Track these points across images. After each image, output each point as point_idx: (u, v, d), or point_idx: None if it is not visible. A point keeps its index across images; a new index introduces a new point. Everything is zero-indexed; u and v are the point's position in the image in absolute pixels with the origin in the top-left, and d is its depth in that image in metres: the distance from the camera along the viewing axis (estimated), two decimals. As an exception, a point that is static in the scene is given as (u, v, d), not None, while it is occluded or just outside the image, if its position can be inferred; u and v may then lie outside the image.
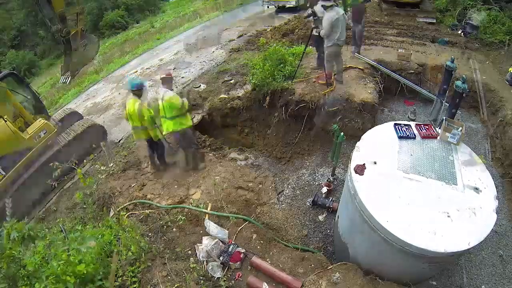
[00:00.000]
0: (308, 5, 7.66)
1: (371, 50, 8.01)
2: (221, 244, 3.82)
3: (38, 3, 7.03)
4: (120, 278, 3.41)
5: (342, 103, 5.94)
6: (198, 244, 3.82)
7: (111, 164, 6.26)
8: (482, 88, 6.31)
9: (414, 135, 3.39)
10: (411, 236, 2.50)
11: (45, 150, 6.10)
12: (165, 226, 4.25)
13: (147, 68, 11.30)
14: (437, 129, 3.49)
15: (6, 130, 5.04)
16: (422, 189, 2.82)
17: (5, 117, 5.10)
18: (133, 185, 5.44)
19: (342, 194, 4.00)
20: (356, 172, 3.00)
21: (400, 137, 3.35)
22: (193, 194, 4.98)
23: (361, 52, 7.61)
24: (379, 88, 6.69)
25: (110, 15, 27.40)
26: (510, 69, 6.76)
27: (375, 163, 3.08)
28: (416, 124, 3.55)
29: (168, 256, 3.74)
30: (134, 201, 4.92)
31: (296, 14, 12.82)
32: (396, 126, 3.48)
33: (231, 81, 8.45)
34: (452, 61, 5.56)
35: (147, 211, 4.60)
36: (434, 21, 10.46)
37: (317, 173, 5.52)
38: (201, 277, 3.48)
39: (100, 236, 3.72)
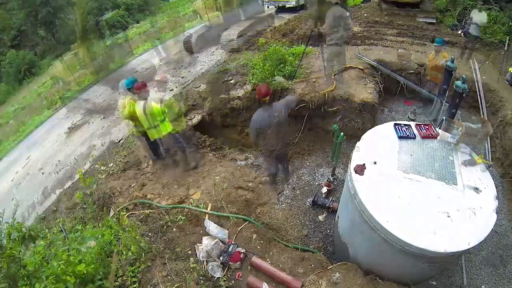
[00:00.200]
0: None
1: (371, 50, 8.01)
2: (221, 244, 3.82)
3: None
4: (120, 278, 3.41)
5: (342, 103, 5.94)
6: (198, 244, 3.82)
7: (111, 164, 6.27)
8: (482, 88, 6.31)
9: (414, 135, 3.38)
10: (411, 236, 2.50)
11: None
12: (165, 226, 4.25)
13: (147, 68, 11.30)
14: (437, 129, 3.49)
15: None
16: (422, 189, 2.82)
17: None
18: (133, 185, 5.44)
19: (342, 194, 4.00)
20: (356, 172, 3.00)
21: (400, 137, 3.35)
22: (193, 194, 4.98)
23: (361, 52, 7.62)
24: (379, 88, 6.70)
25: (110, 15, 27.40)
26: (510, 69, 6.76)
27: (375, 163, 3.08)
28: (416, 124, 3.54)
29: (168, 256, 3.74)
30: (134, 201, 4.92)
31: (296, 14, 12.83)
32: (396, 126, 3.48)
33: (231, 81, 8.45)
34: (452, 61, 5.56)
35: (147, 211, 4.61)
36: (434, 21, 10.46)
37: (317, 173, 5.52)
38: (201, 277, 3.48)
39: (100, 236, 3.72)
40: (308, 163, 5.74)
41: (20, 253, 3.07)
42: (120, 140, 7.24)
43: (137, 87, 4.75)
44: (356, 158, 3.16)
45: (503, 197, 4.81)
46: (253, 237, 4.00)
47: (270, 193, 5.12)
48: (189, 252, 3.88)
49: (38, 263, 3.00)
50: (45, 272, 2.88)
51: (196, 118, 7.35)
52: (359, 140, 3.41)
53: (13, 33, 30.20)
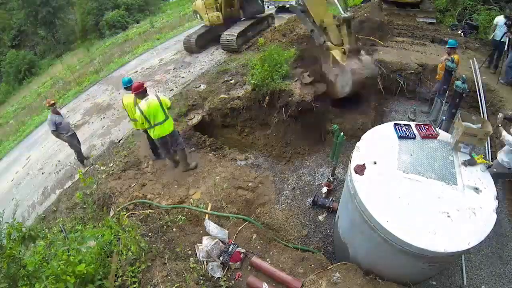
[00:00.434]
0: None
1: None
2: (221, 244, 3.82)
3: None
4: (120, 278, 3.41)
5: None
6: (198, 244, 3.82)
7: (111, 164, 6.27)
8: (482, 88, 6.31)
9: (414, 135, 3.39)
10: (411, 236, 2.50)
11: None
12: (165, 226, 4.26)
13: (147, 68, 11.30)
14: (437, 129, 3.49)
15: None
16: (422, 189, 2.82)
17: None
18: (133, 185, 5.44)
19: (342, 194, 4.00)
20: (356, 172, 3.00)
21: (400, 137, 3.35)
22: (193, 194, 4.98)
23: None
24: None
25: (110, 15, 27.41)
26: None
27: (375, 163, 3.08)
28: (416, 124, 3.55)
29: (168, 256, 3.74)
30: (134, 201, 4.92)
31: (296, 14, 12.81)
32: (396, 126, 3.48)
33: (231, 81, 8.45)
34: (452, 61, 5.56)
35: (147, 211, 4.61)
36: (434, 21, 10.46)
37: (317, 173, 5.52)
38: (201, 277, 3.49)
39: (100, 236, 3.72)
40: (308, 163, 5.74)
41: (20, 253, 3.08)
42: (120, 140, 7.24)
43: (135, 88, 4.74)
44: (356, 158, 3.16)
45: (503, 197, 4.81)
46: (253, 237, 4.01)
47: (270, 193, 5.12)
48: (189, 252, 3.89)
49: (38, 263, 3.00)
50: (45, 272, 2.88)
51: (196, 118, 7.34)
52: (359, 140, 3.41)
53: (13, 33, 30.22)
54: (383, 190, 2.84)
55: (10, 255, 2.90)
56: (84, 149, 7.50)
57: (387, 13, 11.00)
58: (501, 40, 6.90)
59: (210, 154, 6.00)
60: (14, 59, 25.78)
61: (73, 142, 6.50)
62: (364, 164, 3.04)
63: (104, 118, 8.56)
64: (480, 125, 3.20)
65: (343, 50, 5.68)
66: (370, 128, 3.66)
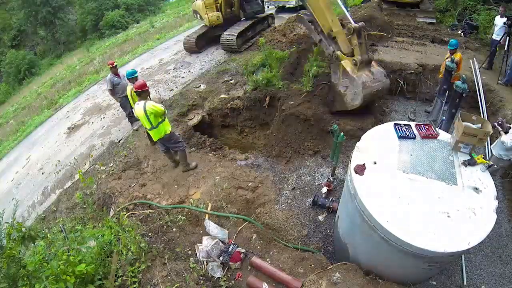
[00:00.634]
0: None
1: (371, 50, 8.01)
2: (221, 244, 3.82)
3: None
4: (120, 278, 3.41)
5: None
6: (198, 244, 3.82)
7: (111, 164, 6.27)
8: (482, 88, 6.31)
9: (414, 135, 3.39)
10: (411, 236, 2.50)
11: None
12: (165, 226, 4.26)
13: (147, 68, 11.30)
14: (437, 129, 3.49)
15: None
16: (422, 189, 2.82)
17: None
18: (133, 185, 5.44)
19: (342, 194, 4.00)
20: (356, 172, 3.00)
21: (400, 137, 3.35)
22: (193, 194, 4.98)
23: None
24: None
25: (110, 15, 27.41)
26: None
27: (375, 163, 3.08)
28: (416, 124, 3.54)
29: (168, 256, 3.74)
30: (134, 201, 4.92)
31: (295, 14, 12.82)
32: (396, 126, 3.48)
33: (231, 81, 8.46)
34: (452, 61, 5.57)
35: (147, 211, 4.61)
36: (434, 21, 10.47)
37: (317, 173, 5.52)
38: (201, 277, 3.49)
39: (100, 236, 3.72)
40: (308, 163, 5.74)
41: (20, 253, 3.08)
42: (120, 140, 7.24)
43: (137, 87, 4.74)
44: (356, 158, 3.16)
45: (503, 197, 4.81)
46: (253, 237, 4.01)
47: (270, 193, 5.12)
48: (189, 252, 3.89)
49: (38, 263, 3.00)
50: (45, 272, 2.88)
51: (196, 118, 7.35)
52: (359, 140, 3.41)
53: (13, 33, 30.26)
54: (383, 190, 2.83)
55: (10, 255, 2.90)
56: (84, 149, 7.52)
57: (387, 13, 11.01)
58: (498, 39, 7.10)
59: (210, 154, 6.00)
60: (14, 59, 25.81)
61: (125, 103, 6.78)
62: (364, 164, 3.04)
63: (104, 118, 8.56)
64: (480, 125, 3.20)
65: (354, 61, 5.45)
66: (370, 128, 3.66)
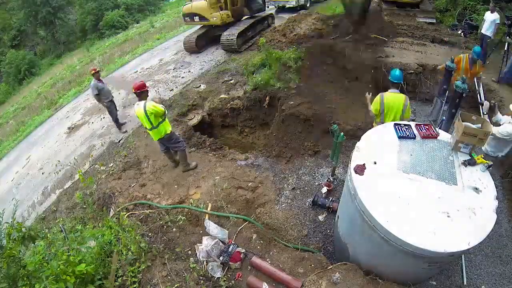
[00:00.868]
0: None
1: (371, 50, 8.01)
2: (221, 244, 3.82)
3: None
4: (120, 278, 3.41)
5: None
6: (198, 244, 3.82)
7: (111, 164, 6.27)
8: (482, 88, 6.31)
9: (414, 135, 3.38)
10: (411, 236, 2.50)
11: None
12: (165, 226, 4.26)
13: (147, 68, 11.30)
14: (437, 129, 3.49)
15: None
16: (422, 189, 2.82)
17: None
18: (133, 185, 5.45)
19: (342, 194, 4.00)
20: (356, 172, 3.00)
21: (400, 137, 3.35)
22: (193, 194, 4.98)
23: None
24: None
25: (110, 15, 27.42)
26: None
27: (375, 163, 3.08)
28: (416, 124, 3.54)
29: (168, 256, 3.74)
30: (134, 201, 4.92)
31: (295, 14, 12.83)
32: (396, 126, 3.48)
33: (231, 81, 8.46)
34: (452, 61, 5.57)
35: (147, 211, 4.61)
36: (434, 21, 10.48)
37: (317, 173, 5.52)
38: (201, 277, 3.49)
39: (100, 236, 3.72)
40: (308, 163, 5.74)
41: (20, 253, 3.08)
42: (120, 140, 7.24)
43: (137, 88, 4.74)
44: (356, 158, 3.16)
45: (503, 197, 4.81)
46: (253, 237, 4.00)
47: (270, 193, 5.12)
48: (189, 252, 3.89)
49: (38, 263, 3.00)
50: (45, 272, 2.88)
51: (196, 118, 7.35)
52: (359, 140, 3.41)
53: (13, 33, 30.27)
54: (383, 190, 2.83)
55: (10, 255, 2.90)
56: (84, 149, 7.52)
57: (387, 13, 11.02)
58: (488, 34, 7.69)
59: (210, 154, 6.00)
60: (14, 59, 25.83)
61: (112, 108, 7.18)
62: (364, 164, 3.04)
63: (104, 118, 8.55)
64: (480, 125, 3.20)
65: None
66: (370, 128, 3.65)
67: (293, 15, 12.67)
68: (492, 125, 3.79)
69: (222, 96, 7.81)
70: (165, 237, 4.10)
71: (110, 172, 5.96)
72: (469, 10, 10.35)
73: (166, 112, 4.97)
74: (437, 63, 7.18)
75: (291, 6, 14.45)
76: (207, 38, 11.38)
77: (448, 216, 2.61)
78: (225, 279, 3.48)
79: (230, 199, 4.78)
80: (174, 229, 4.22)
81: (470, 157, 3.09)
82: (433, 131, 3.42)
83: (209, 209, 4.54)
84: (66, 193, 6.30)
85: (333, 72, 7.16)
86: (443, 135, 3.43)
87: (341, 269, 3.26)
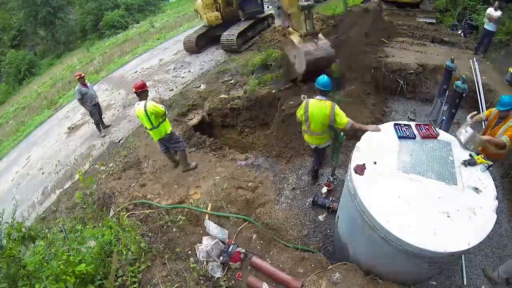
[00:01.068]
0: None
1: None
2: (221, 244, 3.82)
3: None
4: (120, 278, 3.41)
5: None
6: (198, 244, 3.82)
7: (111, 164, 6.27)
8: (482, 88, 6.31)
9: (414, 135, 3.38)
10: (411, 236, 2.50)
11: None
12: (165, 226, 4.25)
13: (147, 68, 11.30)
14: (437, 129, 3.49)
15: None
16: (422, 189, 2.82)
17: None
18: (133, 185, 5.45)
19: (342, 194, 4.00)
20: (356, 172, 3.00)
21: (400, 137, 3.35)
22: (193, 194, 4.98)
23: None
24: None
25: (110, 15, 27.42)
26: (510, 69, 6.77)
27: (375, 163, 3.08)
28: (416, 124, 3.54)
29: (168, 256, 3.74)
30: (134, 201, 4.92)
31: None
32: (396, 126, 3.48)
33: (231, 81, 8.46)
34: (452, 61, 5.57)
35: (147, 211, 4.61)
36: (434, 21, 10.47)
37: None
38: (201, 277, 3.49)
39: (100, 236, 3.72)
40: (308, 163, 5.73)
41: (20, 253, 3.08)
42: (120, 140, 7.24)
43: (137, 87, 4.74)
44: (356, 158, 3.16)
45: (503, 197, 4.81)
46: (253, 237, 4.00)
47: (270, 193, 5.12)
48: (189, 252, 3.89)
49: (38, 263, 3.00)
50: (45, 272, 2.88)
51: (196, 118, 7.35)
52: (359, 140, 3.41)
53: (13, 33, 30.27)
54: (383, 190, 2.83)
55: (10, 255, 2.90)
56: (84, 149, 7.52)
57: (387, 13, 11.01)
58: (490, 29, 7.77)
59: (210, 154, 6.00)
60: (14, 59, 25.83)
61: (94, 111, 7.42)
62: (364, 164, 3.04)
63: (103, 118, 8.54)
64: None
65: (299, 33, 6.37)
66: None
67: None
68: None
69: (222, 96, 7.81)
70: (165, 237, 4.10)
71: (110, 172, 5.96)
72: (469, 10, 10.34)
73: (167, 112, 4.97)
74: (437, 63, 7.18)
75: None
76: (207, 38, 11.38)
77: (448, 216, 2.61)
78: (225, 279, 3.48)
79: (230, 199, 4.78)
80: (174, 229, 4.22)
81: (470, 157, 3.09)
82: (433, 131, 3.42)
83: (209, 209, 4.54)
84: (66, 193, 6.30)
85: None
86: (443, 135, 3.43)
87: (341, 269, 3.26)
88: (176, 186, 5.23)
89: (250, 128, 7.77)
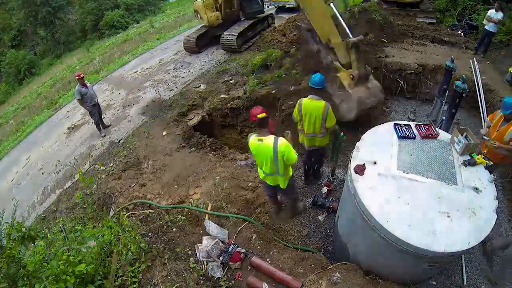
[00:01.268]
0: None
1: (371, 50, 8.00)
2: (221, 244, 3.82)
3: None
4: (120, 278, 3.41)
5: None
6: (198, 244, 3.82)
7: (111, 164, 6.27)
8: (482, 88, 6.31)
9: (414, 135, 3.39)
10: (411, 236, 2.50)
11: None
12: (165, 226, 4.25)
13: (147, 68, 11.30)
14: (437, 129, 3.49)
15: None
16: (422, 189, 2.82)
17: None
18: (133, 185, 5.44)
19: (342, 194, 4.00)
20: (356, 172, 3.00)
21: (400, 137, 3.35)
22: (193, 194, 4.98)
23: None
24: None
25: (110, 15, 27.42)
26: (510, 69, 6.77)
27: (375, 163, 3.08)
28: (416, 124, 3.54)
29: (168, 256, 3.74)
30: (134, 201, 4.92)
31: (295, 14, 12.82)
32: (396, 126, 3.48)
33: (231, 81, 8.46)
34: (452, 61, 5.57)
35: (147, 211, 4.60)
36: (434, 21, 10.47)
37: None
38: (201, 277, 3.48)
39: (100, 236, 3.72)
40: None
41: (20, 253, 3.07)
42: (120, 140, 7.24)
43: (255, 115, 3.43)
44: (356, 158, 3.16)
45: (503, 197, 4.81)
46: (253, 237, 4.00)
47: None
48: (189, 252, 3.88)
49: (38, 263, 3.00)
50: (45, 272, 2.88)
51: (196, 118, 7.35)
52: (359, 140, 3.41)
53: (13, 33, 30.29)
54: (383, 190, 2.84)
55: (10, 255, 2.90)
56: (84, 149, 7.52)
57: (387, 13, 11.01)
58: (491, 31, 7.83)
59: (210, 154, 6.00)
60: (14, 59, 25.84)
61: (94, 111, 7.43)
62: (364, 164, 3.04)
63: (103, 118, 8.54)
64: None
65: (351, 76, 5.40)
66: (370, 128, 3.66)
67: (293, 15, 12.65)
68: None
69: (222, 96, 7.81)
70: (165, 237, 4.10)
71: (110, 172, 5.96)
72: (469, 10, 10.35)
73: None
74: (437, 63, 7.19)
75: (291, 6, 14.43)
76: (207, 38, 11.38)
77: (448, 216, 2.61)
78: (225, 279, 3.48)
79: (230, 199, 4.78)
80: (174, 229, 4.22)
81: (470, 157, 3.09)
82: (433, 131, 3.42)
83: (209, 209, 4.54)
84: (66, 193, 6.29)
85: (333, 71, 7.13)
86: (443, 135, 3.43)
87: (341, 269, 3.26)
88: (176, 186, 5.23)
89: (250, 128, 7.76)
